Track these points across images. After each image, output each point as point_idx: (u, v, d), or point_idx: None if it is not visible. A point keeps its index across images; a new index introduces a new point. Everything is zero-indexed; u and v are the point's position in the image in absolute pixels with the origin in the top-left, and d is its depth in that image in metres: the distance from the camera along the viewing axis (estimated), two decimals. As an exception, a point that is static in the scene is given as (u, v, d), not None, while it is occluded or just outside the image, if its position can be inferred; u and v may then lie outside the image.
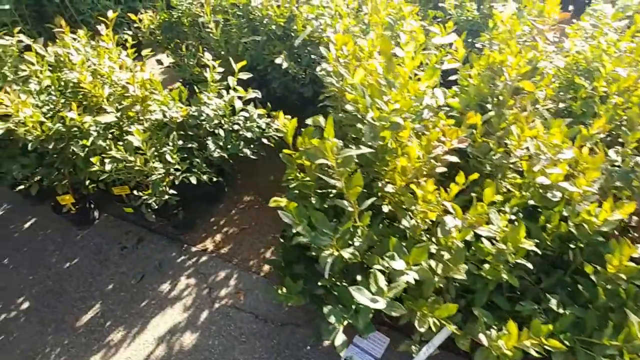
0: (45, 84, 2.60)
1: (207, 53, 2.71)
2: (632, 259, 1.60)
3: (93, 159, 2.34)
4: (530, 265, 1.66)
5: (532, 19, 2.44)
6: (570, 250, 1.83)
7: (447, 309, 1.55)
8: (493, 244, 1.71)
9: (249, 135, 2.72)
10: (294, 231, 1.73)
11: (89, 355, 2.43)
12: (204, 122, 2.63)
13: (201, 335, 2.44)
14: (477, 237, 1.73)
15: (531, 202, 1.88)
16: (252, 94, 2.73)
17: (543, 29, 2.37)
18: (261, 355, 2.34)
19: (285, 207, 1.64)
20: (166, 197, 2.53)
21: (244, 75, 2.69)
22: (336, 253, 1.64)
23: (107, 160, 2.35)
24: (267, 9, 3.04)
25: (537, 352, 1.51)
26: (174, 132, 2.54)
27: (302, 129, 1.90)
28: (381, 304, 1.43)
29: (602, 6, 2.96)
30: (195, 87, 2.81)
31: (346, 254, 1.63)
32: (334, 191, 2.13)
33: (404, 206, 1.85)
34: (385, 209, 1.92)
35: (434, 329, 1.58)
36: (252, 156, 2.77)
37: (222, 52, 3.23)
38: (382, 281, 1.47)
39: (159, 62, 3.70)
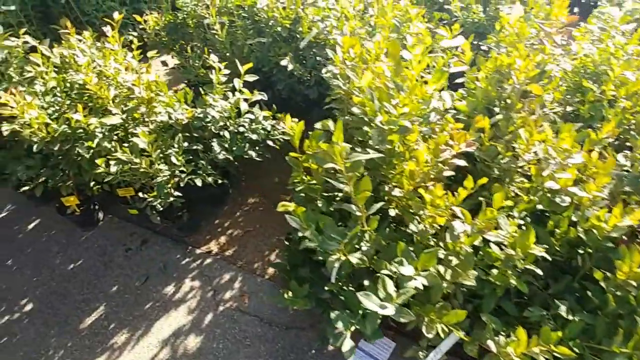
0: (51, 86, 2.59)
1: (213, 55, 2.69)
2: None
3: (98, 161, 2.33)
4: (539, 271, 1.65)
5: (540, 21, 2.42)
6: (578, 255, 1.82)
7: (456, 315, 1.53)
8: (502, 249, 1.70)
9: (254, 137, 2.71)
10: (300, 235, 1.72)
11: (93, 357, 2.42)
12: (209, 124, 2.62)
13: (205, 339, 2.43)
14: (485, 242, 1.72)
15: (539, 206, 1.86)
16: (258, 96, 2.72)
17: (551, 32, 2.36)
18: (266, 359, 2.33)
19: (293, 212, 1.62)
20: (171, 199, 2.52)
21: (250, 78, 2.68)
22: (343, 258, 1.63)
23: (112, 162, 2.34)
24: (272, 11, 3.03)
25: (546, 359, 1.50)
26: (180, 134, 2.53)
27: (309, 132, 1.89)
28: (390, 310, 1.41)
29: (609, 9, 2.94)
30: (201, 89, 2.80)
31: (354, 259, 1.62)
32: (340, 194, 2.13)
33: (411, 210, 1.83)
34: (392, 212, 1.91)
35: (442, 335, 1.57)
36: (257, 158, 2.76)
37: (228, 54, 3.22)
38: (390, 287, 1.46)
39: (164, 63, 3.70)
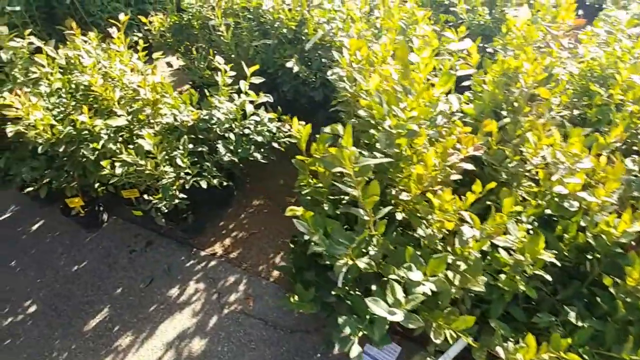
0: (56, 87, 2.59)
1: (219, 57, 2.68)
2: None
3: (103, 163, 2.32)
4: (548, 277, 1.63)
5: (547, 24, 2.41)
6: (587, 261, 1.80)
7: (465, 322, 1.52)
8: (510, 254, 1.69)
9: (259, 139, 2.70)
10: (306, 238, 1.71)
11: (97, 360, 2.43)
12: (214, 126, 2.61)
13: (210, 342, 2.42)
14: (493, 246, 1.71)
15: (547, 211, 1.85)
16: (264, 98, 2.71)
17: (558, 35, 2.35)
18: (271, 363, 2.33)
19: (301, 216, 1.61)
20: (176, 201, 2.51)
21: (257, 80, 2.67)
22: (351, 262, 1.62)
23: (117, 164, 2.33)
24: (278, 13, 3.03)
25: (555, 366, 1.49)
26: (185, 136, 2.52)
27: (315, 135, 1.89)
28: (399, 317, 1.40)
29: (615, 12, 2.93)
30: (206, 91, 2.79)
31: (361, 263, 1.61)
32: (346, 197, 2.12)
33: (418, 214, 1.82)
34: (399, 216, 1.90)
35: (450, 340, 1.56)
36: (262, 160, 2.75)
37: (233, 56, 3.21)
38: (399, 293, 1.45)
39: (169, 64, 3.69)
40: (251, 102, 2.69)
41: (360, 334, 1.57)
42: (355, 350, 1.56)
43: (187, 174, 2.53)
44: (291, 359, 2.32)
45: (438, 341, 1.57)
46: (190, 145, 2.55)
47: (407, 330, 1.79)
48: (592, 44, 2.58)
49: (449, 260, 1.64)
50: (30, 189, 2.82)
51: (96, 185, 2.73)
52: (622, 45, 2.46)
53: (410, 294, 1.49)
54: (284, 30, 3.02)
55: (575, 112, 2.40)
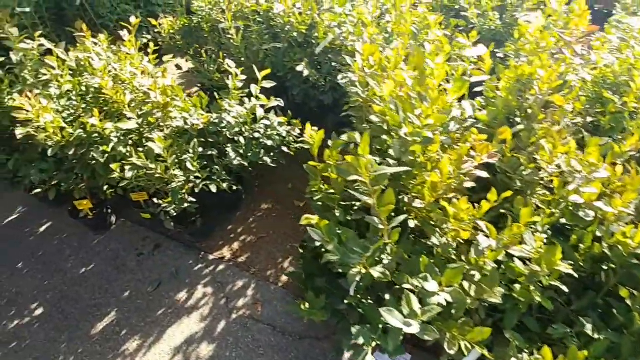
0: (66, 89, 2.58)
1: (230, 61, 2.68)
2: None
3: (113, 166, 2.31)
4: (565, 288, 1.61)
5: (560, 31, 2.39)
6: (602, 271, 1.78)
7: (481, 334, 1.50)
8: (525, 264, 1.67)
9: (269, 143, 2.69)
10: (317, 244, 1.69)
11: (104, 364, 2.41)
12: (224, 130, 2.60)
13: (218, 347, 2.40)
14: (508, 256, 1.69)
15: (562, 220, 1.83)
16: (275, 102, 2.70)
17: (571, 41, 2.33)
18: (279, 369, 2.31)
19: (315, 225, 1.60)
20: (186, 205, 2.50)
21: (268, 84, 2.66)
22: (364, 271, 1.60)
23: (127, 167, 2.32)
24: (289, 16, 3.01)
25: (572, 378, 1.47)
26: (195, 140, 2.51)
27: (326, 140, 1.87)
28: (415, 328, 1.38)
29: (629, 20, 2.91)
30: (216, 94, 2.78)
31: (376, 272, 1.59)
32: (357, 204, 2.10)
33: (432, 222, 1.80)
34: (412, 223, 1.88)
35: (465, 352, 1.54)
36: (272, 164, 2.74)
37: (242, 59, 3.20)
38: (415, 304, 1.43)
39: (178, 67, 3.69)
40: (262, 106, 2.68)
41: (374, 344, 1.56)
42: (369, 360, 1.54)
43: (196, 177, 2.52)
44: (300, 365, 2.31)
45: (452, 352, 1.55)
46: (200, 149, 2.54)
47: (419, 339, 1.77)
48: (604, 51, 2.55)
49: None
50: (39, 190, 2.81)
51: (105, 187, 2.72)
52: (635, 52, 2.44)
53: (424, 305, 1.47)
54: (294, 34, 3.01)
55: (589, 119, 2.37)
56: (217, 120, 2.60)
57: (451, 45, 2.45)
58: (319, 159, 2.01)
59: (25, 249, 3.13)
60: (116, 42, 2.81)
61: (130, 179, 2.34)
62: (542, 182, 1.92)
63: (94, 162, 2.48)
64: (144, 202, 2.79)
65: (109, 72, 2.55)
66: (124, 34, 2.67)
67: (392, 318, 1.42)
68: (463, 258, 1.72)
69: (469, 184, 1.78)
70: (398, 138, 1.74)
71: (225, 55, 3.12)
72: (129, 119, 2.46)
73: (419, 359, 2.16)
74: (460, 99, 2.07)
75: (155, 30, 3.64)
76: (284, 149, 2.80)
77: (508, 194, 1.64)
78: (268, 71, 2.62)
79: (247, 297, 2.63)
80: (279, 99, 2.74)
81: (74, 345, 2.51)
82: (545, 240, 1.69)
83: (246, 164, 2.65)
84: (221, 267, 2.83)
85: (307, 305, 2.01)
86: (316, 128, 2.03)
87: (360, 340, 1.53)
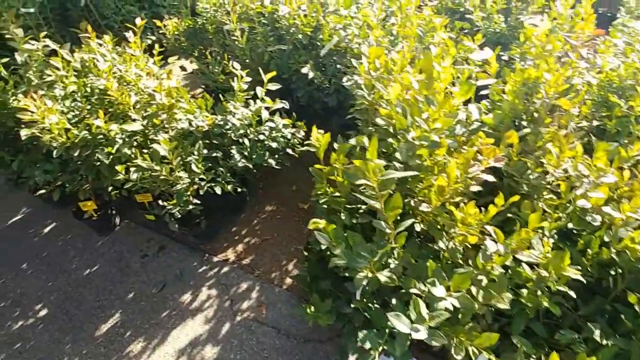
0: (71, 90, 2.58)
1: (236, 63, 2.68)
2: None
3: (118, 168, 2.31)
4: (573, 294, 1.61)
5: (566, 34, 2.39)
6: (610, 277, 1.77)
7: (489, 339, 1.49)
8: (533, 269, 1.66)
9: (274, 145, 2.69)
10: (323, 247, 1.69)
11: (109, 366, 2.41)
12: (229, 132, 2.60)
13: (222, 349, 2.40)
14: (516, 260, 1.68)
15: (570, 225, 1.82)
16: (280, 104, 2.70)
17: (577, 45, 2.32)
18: (283, 372, 2.31)
19: (322, 229, 1.59)
20: (190, 206, 2.50)
21: (273, 86, 2.66)
22: (371, 275, 1.60)
23: (132, 169, 2.32)
24: (294, 18, 3.01)
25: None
26: (200, 141, 2.51)
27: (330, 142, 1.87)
28: (422, 334, 1.37)
29: (634, 23, 2.90)
30: (220, 96, 2.78)
31: (382, 277, 1.58)
32: (363, 207, 2.10)
33: (438, 226, 1.80)
34: (418, 227, 1.88)
35: (473, 357, 1.53)
36: (276, 166, 2.74)
37: (247, 60, 3.20)
38: (423, 309, 1.42)
39: (182, 68, 3.69)
40: (266, 108, 2.68)
41: (381, 348, 1.55)
42: (376, 365, 1.53)
43: (201, 179, 2.52)
44: (304, 368, 2.31)
45: (459, 357, 1.54)
46: (205, 151, 2.54)
47: (426, 344, 1.76)
48: (609, 54, 2.55)
49: (471, 274, 1.61)
50: (43, 191, 2.81)
51: (109, 189, 2.72)
52: (640, 56, 2.43)
53: (432, 310, 1.46)
54: (299, 36, 3.01)
55: (595, 123, 2.37)
56: (222, 122, 2.60)
57: (456, 48, 2.44)
58: (325, 161, 2.01)
59: (30, 250, 3.13)
60: (121, 43, 2.81)
61: (135, 180, 2.34)
62: (548, 186, 1.91)
63: (98, 163, 2.48)
64: (149, 203, 2.79)
65: (114, 73, 2.55)
66: (129, 35, 2.68)
67: (399, 323, 1.41)
68: (469, 262, 1.72)
69: (475, 188, 1.78)
70: (405, 142, 1.74)
71: (229, 57, 3.11)
72: (134, 120, 2.46)
73: (424, 363, 2.16)
74: (466, 102, 2.06)
75: (160, 32, 3.64)
76: (289, 151, 2.80)
77: (515, 198, 1.63)
78: (274, 73, 2.62)
79: (251, 300, 2.63)
80: (283, 101, 2.74)
81: (78, 346, 2.50)
82: (552, 245, 1.69)
83: (251, 166, 2.65)
84: (225, 269, 2.83)
85: (312, 308, 2.00)
86: (322, 131, 2.02)
87: (367, 345, 1.52)
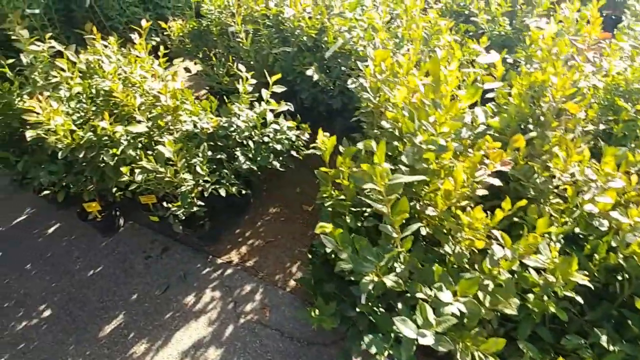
0: (76, 91, 2.58)
1: (241, 65, 2.67)
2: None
3: (123, 169, 2.31)
4: (580, 299, 1.60)
5: (572, 37, 2.38)
6: (616, 282, 1.76)
7: (496, 344, 1.48)
8: (540, 274, 1.65)
9: (278, 147, 2.68)
10: (328, 250, 1.68)
11: (112, 367, 2.41)
12: (234, 134, 2.60)
13: (226, 352, 2.39)
14: (522, 265, 1.67)
15: (576, 229, 1.82)
16: (284, 106, 2.70)
17: (583, 49, 2.31)
18: (287, 375, 2.30)
19: (329, 233, 1.58)
20: (195, 208, 2.49)
21: (278, 89, 2.66)
22: (376, 279, 1.59)
23: (137, 171, 2.32)
24: (298, 20, 3.01)
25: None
26: (204, 143, 2.51)
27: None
28: (429, 339, 1.37)
29: (640, 28, 2.89)
30: (225, 97, 2.78)
31: (389, 281, 1.58)
32: (368, 210, 2.09)
33: (444, 230, 1.79)
34: (423, 231, 1.87)
35: (478, 362, 1.52)
36: (280, 168, 2.74)
37: (252, 62, 3.20)
38: (430, 314, 1.42)
39: (187, 69, 3.69)
40: (271, 110, 2.67)
41: (387, 353, 1.54)
42: (381, 370, 1.52)
43: (206, 181, 2.51)
44: (308, 371, 2.30)
45: (465, 362, 1.54)
46: (209, 153, 2.54)
47: (431, 348, 1.76)
48: (615, 58, 2.54)
49: (477, 279, 1.61)
50: (48, 192, 2.81)
51: (114, 190, 2.72)
52: (646, 59, 2.42)
53: (438, 315, 1.45)
54: (304, 38, 3.01)
55: (601, 127, 2.36)
56: (226, 124, 2.60)
57: (461, 51, 2.43)
58: (329, 164, 2.00)
59: (34, 250, 3.13)
60: (125, 45, 2.81)
61: (140, 182, 2.34)
62: (555, 190, 1.90)
63: (103, 164, 2.47)
64: (153, 205, 2.79)
65: (119, 75, 2.54)
66: (134, 37, 2.68)
67: (406, 328, 1.40)
68: (475, 267, 1.71)
69: (482, 192, 1.77)
70: (412, 145, 1.73)
71: (234, 58, 3.12)
72: (139, 122, 2.45)
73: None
74: (471, 105, 2.05)
75: (165, 33, 3.64)
76: (293, 153, 2.79)
77: (523, 202, 1.62)
78: (279, 76, 2.62)
79: (255, 302, 2.62)
80: (288, 103, 2.74)
81: (82, 347, 2.50)
82: (558, 250, 1.68)
83: (255, 168, 2.64)
84: (229, 271, 2.83)
85: (316, 311, 1.99)
86: (327, 134, 2.02)
87: (373, 350, 1.51)
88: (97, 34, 2.74)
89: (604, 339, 1.61)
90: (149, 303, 2.69)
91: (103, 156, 2.41)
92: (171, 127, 2.55)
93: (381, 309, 1.82)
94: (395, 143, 2.04)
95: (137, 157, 2.38)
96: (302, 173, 2.95)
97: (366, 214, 2.09)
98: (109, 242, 3.12)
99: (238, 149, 2.65)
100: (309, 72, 2.90)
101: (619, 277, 1.76)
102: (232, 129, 2.59)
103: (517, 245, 1.54)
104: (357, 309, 1.87)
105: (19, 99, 2.59)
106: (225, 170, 2.62)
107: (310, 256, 2.45)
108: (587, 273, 1.63)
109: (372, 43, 2.66)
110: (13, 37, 2.55)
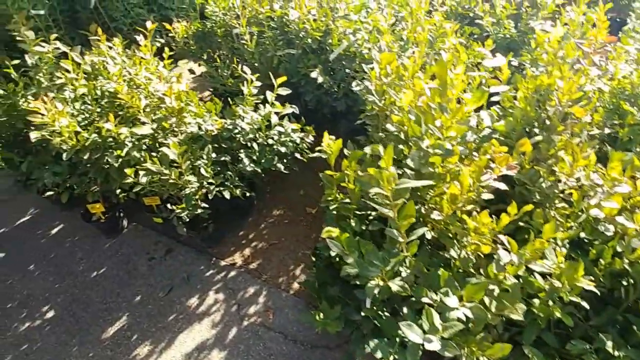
0: (81, 93, 2.58)
1: (246, 67, 2.67)
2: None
3: (127, 171, 2.31)
4: (586, 305, 1.59)
5: (578, 41, 2.37)
6: (622, 287, 1.76)
7: (502, 350, 1.48)
8: (545, 278, 1.65)
9: (282, 149, 2.68)
10: (332, 253, 1.68)
11: (115, 369, 2.41)
12: (238, 136, 2.60)
13: (229, 354, 2.39)
14: (528, 270, 1.67)
15: (582, 234, 1.81)
16: (289, 109, 2.70)
17: (589, 52, 2.31)
18: (291, 378, 2.30)
19: (335, 237, 1.58)
20: (199, 210, 2.49)
21: (283, 91, 2.66)
22: (382, 284, 1.58)
23: (141, 173, 2.31)
24: (303, 23, 3.01)
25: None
26: (209, 145, 2.51)
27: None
28: (435, 345, 1.36)
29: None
30: (229, 99, 2.78)
31: (394, 286, 1.57)
32: (373, 213, 2.09)
33: (450, 235, 1.79)
34: (429, 235, 1.87)
35: (484, 368, 1.52)
36: (284, 171, 2.73)
37: (256, 64, 3.20)
38: (436, 319, 1.41)
39: (191, 71, 3.70)
40: (276, 113, 2.67)
41: (392, 358, 1.54)
42: (386, 374, 1.52)
43: (210, 183, 2.51)
44: (311, 375, 2.30)
45: (471, 367, 1.53)
46: (214, 155, 2.54)
47: (436, 353, 1.75)
48: (621, 61, 2.53)
49: (483, 284, 1.60)
50: (51, 193, 2.82)
51: (118, 191, 2.72)
52: (651, 63, 2.42)
53: (444, 319, 1.45)
54: (309, 40, 3.01)
55: (606, 130, 2.35)
56: (231, 126, 2.60)
57: (466, 54, 2.43)
58: (335, 168, 2.00)
59: (37, 251, 3.13)
60: (130, 46, 2.81)
61: (144, 184, 2.34)
62: (561, 194, 1.89)
63: (108, 166, 2.47)
64: (156, 206, 2.79)
65: (124, 76, 2.55)
66: (139, 38, 2.68)
67: (411, 333, 1.40)
68: (481, 271, 1.71)
69: (487, 196, 1.76)
70: (418, 149, 1.73)
71: (238, 60, 3.12)
72: (144, 124, 2.45)
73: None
74: (477, 109, 2.05)
75: (169, 35, 3.65)
76: (297, 155, 2.79)
77: (529, 207, 1.62)
78: (284, 78, 2.62)
79: (258, 304, 2.62)
80: (293, 105, 2.74)
81: (85, 349, 2.50)
82: (564, 255, 1.67)
83: (259, 170, 2.64)
84: (232, 273, 2.82)
85: (321, 315, 1.99)
86: (333, 137, 2.02)
87: (379, 354, 1.51)
88: (102, 35, 2.74)
89: (609, 344, 1.61)
90: (152, 305, 2.68)
91: (107, 158, 2.41)
92: (176, 129, 2.55)
93: (386, 313, 1.82)
94: (401, 146, 2.04)
95: (142, 159, 2.37)
96: (305, 175, 2.95)
97: (371, 218, 2.08)
98: (112, 243, 3.12)
99: (242, 151, 2.65)
100: (313, 75, 2.90)
101: (624, 282, 1.75)
102: (236, 131, 2.60)
103: (523, 250, 1.54)
104: (362, 313, 1.86)
105: (24, 100, 2.60)
106: (230, 173, 2.62)
107: (314, 259, 2.44)
108: (592, 278, 1.63)
109: (377, 45, 2.66)
110: (18, 38, 2.56)
